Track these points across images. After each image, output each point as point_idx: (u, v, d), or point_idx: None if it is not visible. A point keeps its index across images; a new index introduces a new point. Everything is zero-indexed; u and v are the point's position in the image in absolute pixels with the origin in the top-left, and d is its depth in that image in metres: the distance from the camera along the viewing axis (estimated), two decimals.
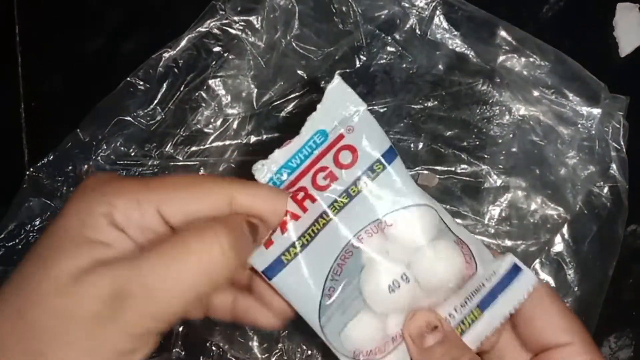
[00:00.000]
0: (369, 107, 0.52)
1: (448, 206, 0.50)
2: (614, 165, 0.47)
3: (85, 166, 0.48)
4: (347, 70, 0.52)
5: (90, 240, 0.25)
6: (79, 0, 0.55)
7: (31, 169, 0.48)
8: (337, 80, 0.32)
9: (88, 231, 0.25)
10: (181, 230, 0.26)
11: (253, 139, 0.52)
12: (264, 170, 0.32)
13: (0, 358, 0.24)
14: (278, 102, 0.52)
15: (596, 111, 0.48)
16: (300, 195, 0.31)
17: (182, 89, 0.50)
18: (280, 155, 0.32)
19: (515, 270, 0.32)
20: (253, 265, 0.31)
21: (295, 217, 0.31)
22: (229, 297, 0.33)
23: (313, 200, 0.31)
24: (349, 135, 0.32)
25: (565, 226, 0.48)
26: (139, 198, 0.26)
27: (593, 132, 0.48)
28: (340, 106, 0.32)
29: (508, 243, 0.49)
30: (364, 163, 0.31)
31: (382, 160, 0.31)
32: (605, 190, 0.47)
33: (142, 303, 0.24)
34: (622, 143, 0.47)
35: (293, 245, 0.31)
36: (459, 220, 0.50)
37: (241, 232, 0.28)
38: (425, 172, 0.50)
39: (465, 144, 0.51)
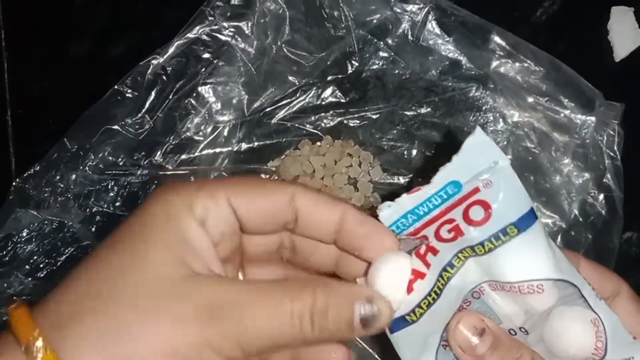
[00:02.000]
0: (362, 113, 0.51)
1: None
2: (608, 174, 0.46)
3: (73, 176, 0.48)
4: (340, 76, 0.51)
5: (180, 237, 0.27)
6: (65, 6, 0.54)
7: (17, 180, 0.47)
8: (478, 131, 0.29)
9: (175, 225, 0.27)
10: (281, 283, 0.29)
11: (244, 146, 0.51)
12: (390, 211, 0.30)
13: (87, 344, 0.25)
14: (269, 108, 0.51)
15: (591, 119, 0.47)
16: (422, 249, 0.29)
17: (171, 96, 0.49)
18: (408, 201, 0.30)
19: None
20: None
21: (421, 276, 0.29)
22: None
23: (435, 252, 0.29)
24: (485, 190, 0.28)
25: (560, 234, 0.48)
26: (212, 191, 0.28)
27: (587, 139, 0.47)
28: (479, 158, 0.29)
29: None
30: (497, 224, 0.28)
31: (518, 224, 0.28)
32: (600, 198, 0.47)
33: (232, 328, 0.25)
34: (616, 151, 0.46)
35: (419, 306, 0.29)
36: None
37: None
38: (419, 179, 0.50)
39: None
